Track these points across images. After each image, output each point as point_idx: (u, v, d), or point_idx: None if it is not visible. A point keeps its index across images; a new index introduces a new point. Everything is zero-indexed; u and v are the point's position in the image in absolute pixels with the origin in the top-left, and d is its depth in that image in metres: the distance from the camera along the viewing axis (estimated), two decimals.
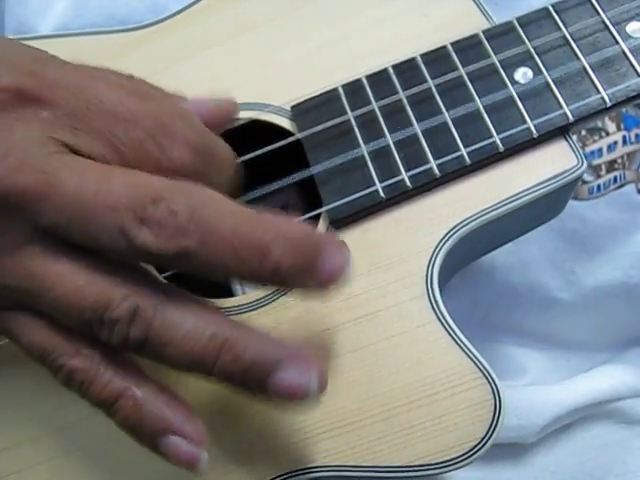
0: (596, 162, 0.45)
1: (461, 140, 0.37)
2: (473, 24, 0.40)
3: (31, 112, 0.29)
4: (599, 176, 0.43)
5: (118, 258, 0.29)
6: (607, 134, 0.44)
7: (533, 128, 0.37)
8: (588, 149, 0.44)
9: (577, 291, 0.46)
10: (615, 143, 0.45)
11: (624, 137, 0.45)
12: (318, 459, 0.35)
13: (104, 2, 0.48)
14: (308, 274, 0.30)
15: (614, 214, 0.43)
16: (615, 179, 0.38)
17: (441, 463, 0.34)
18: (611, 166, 0.44)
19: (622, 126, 0.45)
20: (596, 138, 0.44)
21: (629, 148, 0.44)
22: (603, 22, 0.38)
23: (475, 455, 0.34)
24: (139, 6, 0.47)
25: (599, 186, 0.43)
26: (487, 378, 0.34)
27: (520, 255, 0.44)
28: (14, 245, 0.29)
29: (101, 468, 0.36)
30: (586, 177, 0.40)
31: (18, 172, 0.28)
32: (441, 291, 0.36)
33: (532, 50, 0.38)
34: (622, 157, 0.44)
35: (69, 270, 0.29)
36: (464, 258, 0.41)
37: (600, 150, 0.45)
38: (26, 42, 0.46)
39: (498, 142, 0.37)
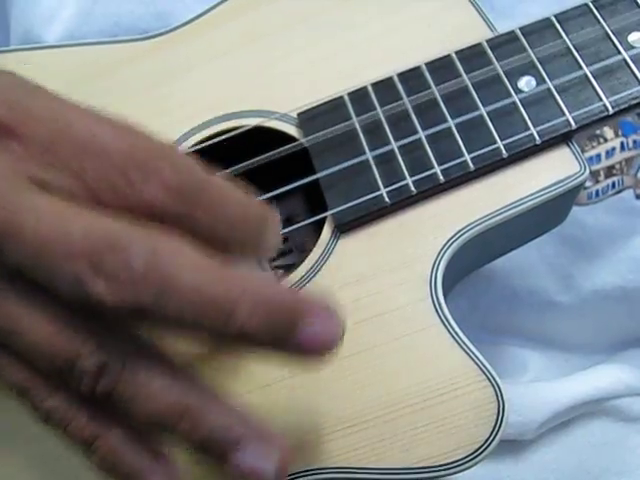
0: (595, 168, 0.45)
1: (465, 146, 0.38)
2: (477, 34, 0.41)
3: (2, 145, 0.28)
4: (597, 181, 0.44)
5: (81, 307, 0.28)
6: (605, 140, 0.45)
7: (536, 134, 0.38)
8: (587, 155, 0.45)
9: (576, 295, 0.46)
10: (613, 149, 0.45)
11: (622, 143, 0.45)
12: (322, 461, 0.35)
13: (110, 10, 0.48)
14: (282, 340, 0.28)
15: (612, 219, 0.43)
16: (613, 184, 0.39)
17: (445, 465, 0.34)
18: (609, 172, 0.44)
19: (620, 132, 0.45)
20: (595, 144, 0.45)
21: (627, 154, 0.44)
22: (605, 32, 0.39)
23: (479, 457, 0.34)
24: (144, 14, 0.48)
25: (598, 191, 0.44)
26: (490, 380, 0.35)
27: (519, 259, 0.45)
28: None
29: None
30: (585, 183, 0.40)
31: None
32: (445, 296, 0.37)
33: (535, 59, 0.39)
34: (620, 163, 0.44)
35: (41, 316, 0.28)
36: (468, 265, 0.41)
37: (599, 156, 0.45)
38: (34, 52, 0.48)
39: (501, 148, 0.38)
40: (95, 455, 0.30)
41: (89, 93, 0.44)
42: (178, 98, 0.44)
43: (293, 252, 0.45)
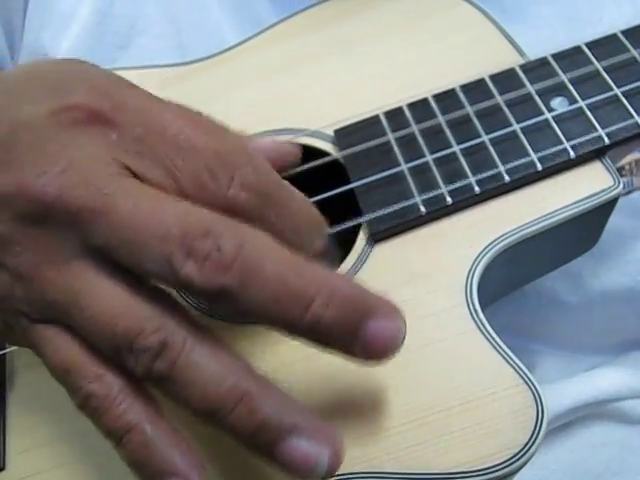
0: None
1: (499, 158, 0.39)
2: (509, 60, 0.42)
3: (100, 132, 0.30)
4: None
5: (162, 285, 0.30)
6: None
7: (570, 149, 0.38)
8: None
9: (584, 294, 0.46)
10: None
11: None
12: (356, 465, 0.34)
13: (127, 12, 0.50)
14: (351, 336, 0.29)
15: (622, 220, 0.44)
16: (623, 186, 0.39)
17: (482, 470, 0.33)
18: (619, 173, 0.45)
19: None
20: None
21: (637, 156, 0.45)
22: (634, 57, 0.40)
23: (518, 462, 0.32)
24: (160, 18, 0.50)
25: None
26: (529, 384, 0.34)
27: None
28: (62, 258, 0.29)
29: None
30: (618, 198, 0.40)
31: (77, 188, 0.29)
32: (482, 306, 0.37)
33: (566, 81, 0.40)
34: (630, 164, 0.45)
35: (109, 292, 0.29)
36: (503, 282, 0.41)
37: None
38: None
39: (535, 161, 0.38)
40: (127, 447, 0.29)
41: None
42: (218, 118, 0.45)
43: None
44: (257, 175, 0.31)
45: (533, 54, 0.43)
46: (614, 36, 0.41)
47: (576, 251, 0.42)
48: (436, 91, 0.42)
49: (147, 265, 0.28)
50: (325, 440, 0.29)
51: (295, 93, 0.45)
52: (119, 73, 0.48)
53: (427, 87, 0.42)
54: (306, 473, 0.28)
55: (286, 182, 0.33)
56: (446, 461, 0.33)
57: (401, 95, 0.43)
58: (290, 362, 0.36)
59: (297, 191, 0.33)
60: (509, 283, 0.42)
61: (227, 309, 0.29)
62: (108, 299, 0.29)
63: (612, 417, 0.47)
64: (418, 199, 0.38)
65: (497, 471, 0.33)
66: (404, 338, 0.30)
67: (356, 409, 0.35)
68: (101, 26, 0.50)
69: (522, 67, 0.41)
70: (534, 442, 0.33)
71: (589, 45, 0.41)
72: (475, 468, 0.33)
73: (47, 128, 0.30)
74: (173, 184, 0.30)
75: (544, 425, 0.33)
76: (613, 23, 0.47)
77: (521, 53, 0.43)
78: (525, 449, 0.33)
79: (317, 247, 0.33)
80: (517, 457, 0.33)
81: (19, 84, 0.32)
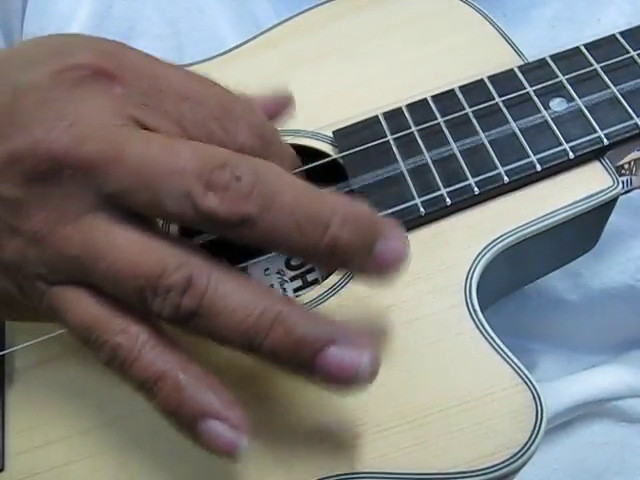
0: None
1: (498, 158, 0.39)
2: (508, 62, 0.43)
3: (104, 87, 0.30)
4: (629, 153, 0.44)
5: (181, 224, 0.30)
6: None
7: (569, 150, 0.38)
8: None
9: (584, 293, 0.46)
10: None
11: None
12: (353, 466, 0.34)
13: (127, 14, 0.50)
14: (366, 254, 0.30)
15: (621, 219, 0.44)
16: (623, 184, 0.39)
17: (480, 470, 0.33)
18: (618, 171, 0.45)
19: None
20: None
21: (636, 155, 0.45)
22: (632, 57, 0.40)
23: (517, 462, 0.32)
24: (159, 21, 0.50)
25: None
26: (528, 384, 0.34)
27: None
28: (76, 213, 0.29)
29: (147, 465, 0.35)
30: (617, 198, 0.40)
31: (84, 141, 0.29)
32: (481, 307, 0.37)
33: (565, 82, 0.40)
34: (629, 163, 0.45)
35: (126, 239, 0.29)
36: (503, 283, 0.41)
37: None
38: None
39: (535, 161, 0.38)
40: (159, 394, 0.29)
41: None
42: None
43: (319, 283, 0.45)
44: (259, 119, 0.33)
45: (534, 55, 0.43)
46: (612, 37, 0.41)
47: (576, 252, 0.42)
48: (435, 92, 0.42)
49: (166, 204, 0.29)
50: (362, 345, 0.29)
51: (294, 94, 0.45)
52: None
53: (426, 88, 0.43)
54: (350, 379, 0.29)
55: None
56: (445, 461, 0.33)
57: (400, 96, 0.43)
58: None
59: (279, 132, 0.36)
60: (509, 284, 0.42)
61: (248, 238, 0.29)
62: (126, 246, 0.29)
63: (612, 416, 0.47)
64: (417, 200, 0.38)
65: (496, 471, 0.33)
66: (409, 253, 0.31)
67: (355, 409, 0.35)
68: (99, 28, 0.50)
69: (521, 68, 0.42)
70: (533, 442, 0.33)
71: (588, 46, 0.41)
72: (474, 468, 0.33)
73: (51, 88, 0.30)
74: (182, 133, 0.31)
75: (543, 425, 0.33)
76: (611, 24, 0.48)
77: (520, 54, 0.43)
78: (524, 449, 0.33)
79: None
80: (516, 457, 0.33)
81: (20, 52, 0.33)
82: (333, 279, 0.38)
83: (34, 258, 0.30)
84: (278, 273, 0.49)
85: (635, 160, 0.44)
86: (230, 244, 0.31)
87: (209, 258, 0.30)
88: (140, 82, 0.31)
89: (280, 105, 0.38)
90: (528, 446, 0.33)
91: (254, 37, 0.48)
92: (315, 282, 0.48)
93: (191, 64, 0.48)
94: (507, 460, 0.33)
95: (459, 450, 0.33)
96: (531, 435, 0.33)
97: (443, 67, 0.44)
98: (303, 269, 0.48)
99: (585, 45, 0.42)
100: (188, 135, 0.31)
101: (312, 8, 0.48)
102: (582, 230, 0.40)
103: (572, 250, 0.42)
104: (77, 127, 0.29)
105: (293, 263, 0.49)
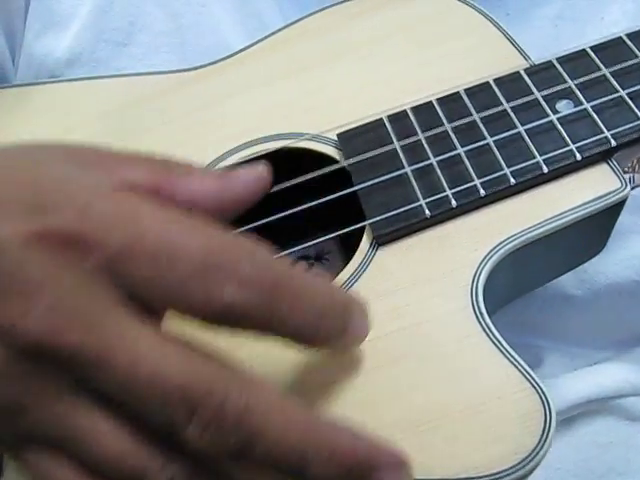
0: None
1: (504, 160, 0.38)
2: (514, 64, 0.42)
3: (78, 257, 0.27)
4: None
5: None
6: None
7: (575, 151, 0.38)
8: None
9: (589, 288, 0.46)
10: None
11: None
12: None
13: (127, 10, 0.50)
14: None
15: (625, 216, 0.43)
16: (631, 187, 0.39)
17: (489, 476, 0.32)
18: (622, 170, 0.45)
19: None
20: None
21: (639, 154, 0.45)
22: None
23: (526, 467, 0.32)
24: (160, 16, 0.50)
25: None
26: (536, 388, 0.33)
27: None
28: (55, 395, 0.27)
29: None
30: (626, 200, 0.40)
31: (67, 328, 0.26)
32: (487, 309, 0.36)
33: (573, 86, 0.40)
34: (632, 161, 0.45)
35: (112, 431, 0.27)
36: (510, 286, 0.40)
37: None
38: (64, 84, 0.50)
39: (541, 163, 0.38)
40: None
41: (126, 119, 0.47)
42: (217, 122, 0.45)
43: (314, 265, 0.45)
44: (257, 269, 0.27)
45: (537, 55, 0.43)
46: (619, 39, 0.41)
47: (583, 255, 0.42)
48: (440, 95, 0.42)
49: (146, 417, 0.27)
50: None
51: (299, 98, 0.45)
52: (121, 79, 0.49)
53: (430, 91, 0.42)
54: None
55: (297, 268, 0.29)
56: (453, 466, 0.32)
57: (405, 99, 0.42)
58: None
59: (313, 274, 0.30)
60: (516, 287, 0.41)
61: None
62: (112, 438, 0.27)
63: (615, 414, 0.46)
64: (423, 202, 0.38)
65: (505, 476, 0.32)
66: None
67: (357, 414, 0.34)
68: (101, 23, 0.50)
69: (527, 71, 0.41)
70: (542, 446, 0.32)
71: (594, 48, 0.41)
72: (483, 474, 0.32)
73: (25, 258, 0.27)
74: (161, 304, 0.28)
75: (552, 429, 0.32)
76: (614, 22, 0.48)
77: (525, 56, 0.43)
78: (533, 453, 0.32)
79: (357, 332, 0.31)
80: (525, 462, 0.32)
81: None
82: (341, 279, 0.38)
83: (6, 423, 0.28)
84: None
85: (638, 158, 0.44)
86: None
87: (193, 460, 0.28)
88: (115, 242, 0.27)
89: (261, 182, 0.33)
90: (537, 451, 0.32)
91: (259, 40, 0.47)
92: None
93: (196, 68, 0.48)
94: (516, 465, 0.32)
95: (467, 455, 0.32)
96: (540, 440, 0.32)
97: (447, 70, 0.44)
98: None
99: (592, 47, 0.41)
100: (167, 303, 0.27)
101: (318, 11, 0.47)
102: (590, 233, 0.40)
103: (579, 253, 0.41)
104: (57, 312, 0.26)
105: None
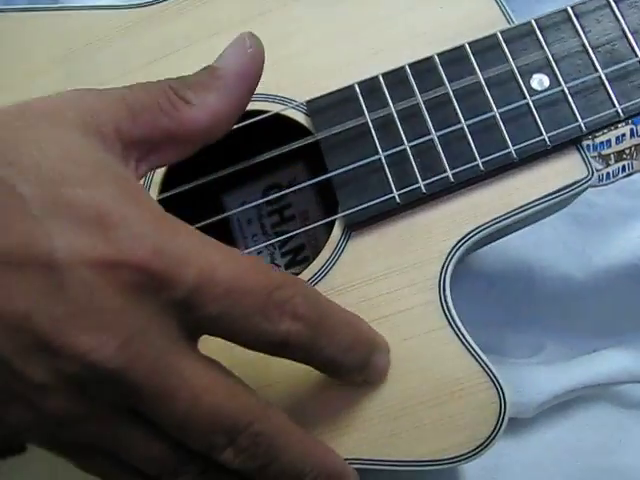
0: (605, 152, 0.46)
1: (477, 149, 0.38)
2: (491, 21, 0.40)
3: (151, 294, 0.28)
4: (608, 165, 0.45)
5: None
6: (616, 127, 0.45)
7: (547, 140, 0.38)
8: (598, 140, 0.46)
9: (588, 270, 0.47)
10: (623, 135, 0.46)
11: (632, 130, 0.46)
12: (340, 452, 0.37)
13: None
14: None
15: (623, 200, 0.45)
16: (624, 168, 0.40)
17: (449, 459, 0.37)
18: (619, 156, 0.45)
19: (630, 120, 0.46)
20: (605, 130, 0.45)
21: (636, 140, 0.45)
22: (622, 30, 0.38)
23: (481, 452, 0.37)
24: None
25: (609, 174, 0.45)
26: (494, 382, 0.37)
27: (534, 237, 0.46)
28: (114, 418, 0.30)
29: None
30: (597, 165, 0.41)
31: (137, 367, 0.28)
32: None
33: (550, 56, 0.39)
34: (630, 148, 0.45)
35: (155, 447, 0.31)
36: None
37: (609, 141, 0.46)
38: (28, 14, 0.46)
39: (513, 153, 0.38)
40: None
41: (88, 65, 0.44)
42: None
43: (306, 247, 0.46)
44: (307, 305, 0.32)
45: None
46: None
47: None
48: (413, 56, 0.40)
49: (189, 441, 0.31)
50: None
51: (267, 49, 0.42)
52: (85, 12, 0.45)
53: (403, 47, 0.40)
54: None
55: (334, 303, 0.34)
56: (417, 450, 0.37)
57: (375, 57, 0.41)
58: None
59: (345, 311, 0.35)
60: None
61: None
62: (155, 452, 0.31)
63: (610, 400, 0.48)
64: (395, 193, 0.38)
65: (462, 460, 0.37)
66: None
67: (332, 402, 0.38)
68: None
69: (504, 35, 0.39)
70: (496, 435, 0.37)
71: (576, 10, 0.39)
72: (443, 457, 0.37)
73: (99, 287, 0.28)
74: (229, 336, 0.31)
75: (505, 420, 0.37)
76: None
77: (504, 12, 0.40)
78: (487, 441, 0.37)
79: (375, 365, 0.36)
80: (480, 448, 0.37)
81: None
82: (314, 268, 0.39)
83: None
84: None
85: (635, 145, 0.44)
86: None
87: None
88: (187, 281, 0.29)
89: (256, 65, 0.36)
90: (490, 439, 0.37)
91: None
92: (292, 218, 0.49)
93: (151, 3, 0.44)
94: (472, 451, 0.37)
95: (430, 441, 0.37)
96: (494, 429, 0.37)
97: (422, 22, 0.41)
98: (280, 204, 0.49)
99: (573, 9, 0.39)
100: (234, 335, 0.31)
101: None
102: (555, 210, 0.41)
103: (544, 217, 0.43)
104: (131, 348, 0.28)
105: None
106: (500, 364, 0.42)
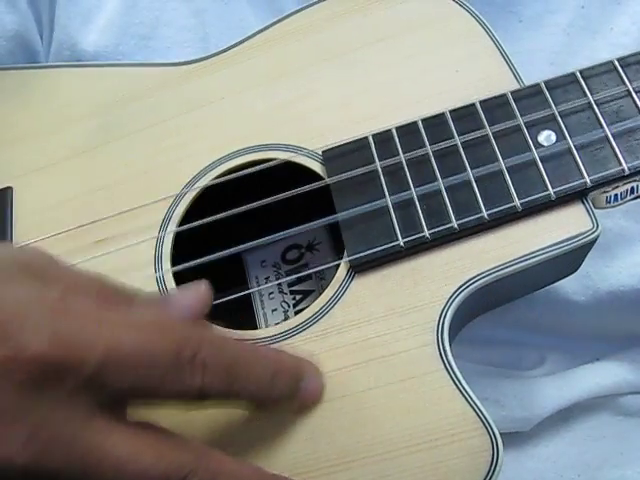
0: None
1: (482, 200, 0.39)
2: (503, 84, 0.42)
3: (54, 382, 0.28)
4: (617, 186, 0.44)
5: None
6: None
7: (552, 193, 0.38)
8: None
9: (592, 294, 0.47)
10: None
11: None
12: None
13: (154, 4, 0.50)
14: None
15: (630, 224, 0.44)
16: (632, 190, 0.40)
17: None
18: (627, 178, 0.45)
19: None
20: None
21: None
22: (628, 91, 0.39)
23: None
24: (185, 11, 0.50)
25: (616, 196, 0.44)
26: (487, 429, 0.36)
27: None
28: None
29: None
30: (605, 187, 0.41)
31: (50, 454, 0.28)
32: (451, 343, 0.38)
33: (557, 114, 0.40)
34: None
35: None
36: (476, 310, 0.42)
37: None
38: (64, 70, 0.50)
39: (518, 205, 0.39)
40: None
41: (120, 117, 0.48)
42: (207, 127, 0.46)
43: (312, 279, 0.47)
44: (214, 352, 0.32)
45: (549, 60, 0.42)
46: (610, 64, 0.40)
47: (554, 280, 0.43)
48: (427, 113, 0.42)
49: None
50: None
51: (284, 106, 0.45)
52: (123, 69, 0.49)
53: (418, 106, 0.42)
54: None
55: (243, 344, 0.36)
56: None
57: (391, 114, 0.43)
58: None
59: (259, 347, 0.37)
60: (481, 311, 0.43)
61: None
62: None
63: (610, 410, 0.48)
64: (401, 240, 0.39)
65: None
66: None
67: (319, 442, 0.37)
68: (126, 17, 0.50)
69: (514, 94, 0.41)
70: None
71: (584, 74, 0.40)
72: None
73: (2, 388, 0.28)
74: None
75: (498, 468, 0.36)
76: (624, 33, 0.47)
77: (516, 75, 0.42)
78: None
79: (306, 389, 0.37)
80: None
81: None
82: (316, 306, 0.40)
83: None
84: (274, 266, 0.51)
85: None
86: None
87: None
88: (90, 361, 0.29)
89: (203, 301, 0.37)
90: None
91: (249, 37, 0.47)
92: (309, 278, 0.50)
93: (186, 62, 0.48)
94: None
95: None
96: (485, 478, 0.35)
97: (438, 83, 0.43)
98: (298, 263, 0.50)
99: (582, 72, 0.41)
100: (145, 398, 0.32)
101: (302, 9, 0.47)
102: (560, 265, 0.41)
103: (550, 279, 0.43)
104: (40, 435, 0.28)
105: (289, 257, 0.51)
106: (505, 377, 0.41)
